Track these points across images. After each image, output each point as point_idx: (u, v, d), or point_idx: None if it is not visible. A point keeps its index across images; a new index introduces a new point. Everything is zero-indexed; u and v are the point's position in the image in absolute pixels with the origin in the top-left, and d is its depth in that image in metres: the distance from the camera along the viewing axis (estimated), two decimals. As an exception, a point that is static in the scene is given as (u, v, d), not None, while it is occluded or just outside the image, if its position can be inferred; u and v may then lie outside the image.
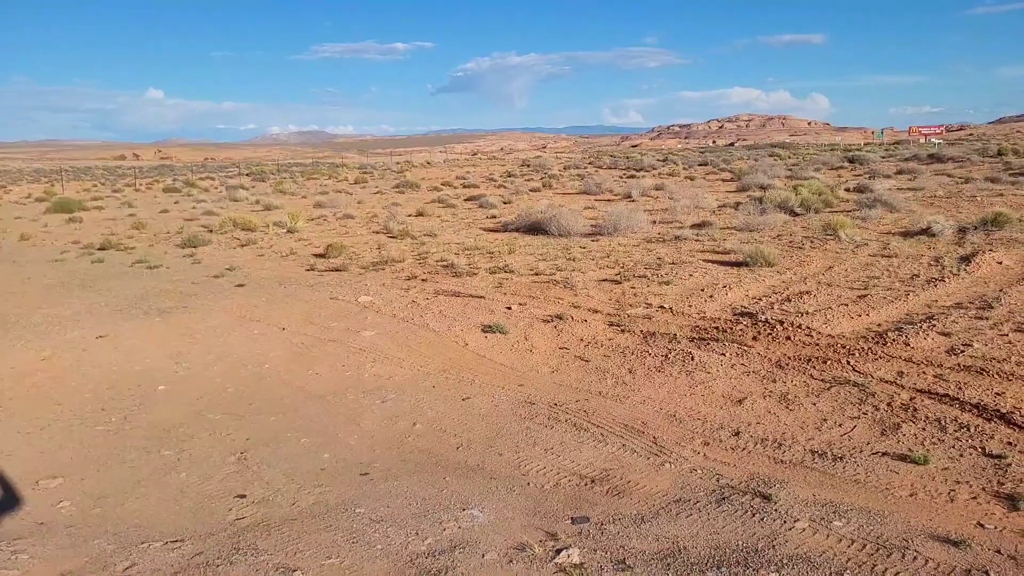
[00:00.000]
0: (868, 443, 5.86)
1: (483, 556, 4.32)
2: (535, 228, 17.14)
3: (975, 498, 4.90)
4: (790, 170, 34.45)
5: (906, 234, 14.62)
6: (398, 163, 70.87)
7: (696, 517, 4.81)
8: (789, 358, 7.78)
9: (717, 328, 8.89)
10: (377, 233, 18.42)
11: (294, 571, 4.14)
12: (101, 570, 4.22)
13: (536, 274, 12.30)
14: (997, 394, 6.38)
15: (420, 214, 22.10)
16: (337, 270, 13.56)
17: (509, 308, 10.11)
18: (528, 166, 53.45)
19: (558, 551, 4.34)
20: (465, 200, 26.39)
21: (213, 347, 9.03)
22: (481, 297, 10.78)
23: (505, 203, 24.84)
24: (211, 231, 19.62)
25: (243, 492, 5.42)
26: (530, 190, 30.84)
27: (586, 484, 5.45)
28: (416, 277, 12.40)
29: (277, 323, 9.92)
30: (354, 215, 22.39)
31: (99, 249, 17.31)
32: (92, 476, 5.81)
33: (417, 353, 8.70)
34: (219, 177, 53.48)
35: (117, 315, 10.39)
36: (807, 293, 10.16)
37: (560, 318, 9.53)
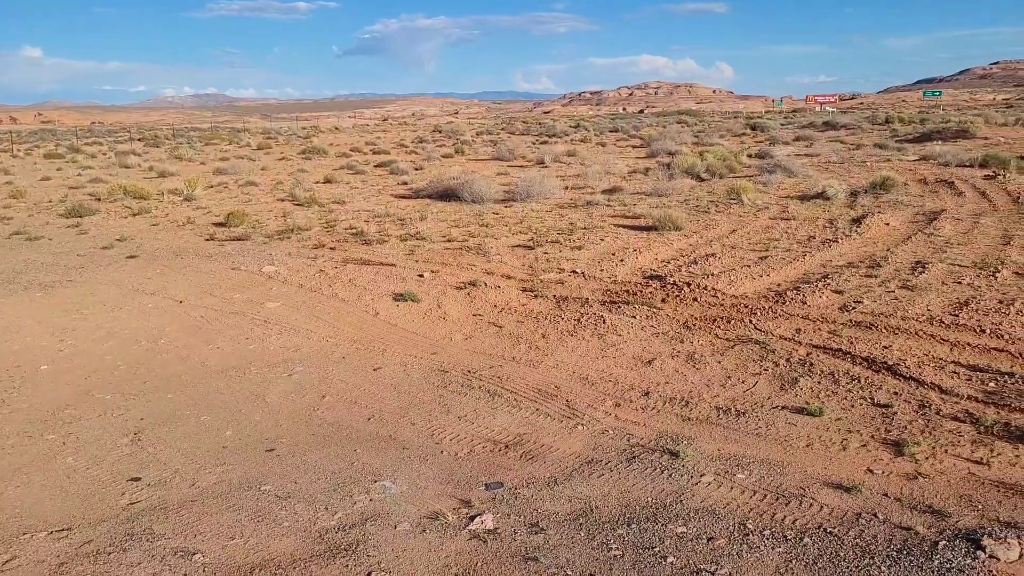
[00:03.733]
0: (769, 398, 6.10)
1: (395, 527, 4.24)
2: (448, 195, 16.89)
3: (865, 446, 5.19)
4: (696, 137, 35.39)
5: (803, 198, 15.28)
6: (304, 128, 68.27)
7: (608, 477, 4.88)
8: (696, 319, 7.99)
9: (628, 291, 9.03)
10: (282, 201, 17.70)
11: (194, 554, 3.93)
12: (-26, 567, 3.88)
13: (449, 241, 12.14)
14: (884, 347, 6.77)
15: (328, 181, 21.38)
16: (239, 239, 12.95)
17: (421, 276, 9.93)
18: (440, 132, 52.63)
19: (472, 518, 4.31)
20: (375, 167, 25.73)
21: (102, 323, 8.45)
22: (392, 265, 10.54)
23: (417, 169, 24.39)
24: (99, 200, 18.32)
25: (137, 475, 5.11)
26: (442, 156, 30.41)
27: (500, 450, 5.44)
28: (324, 246, 11.99)
29: (173, 296, 9.38)
30: (257, 182, 21.41)
31: (-30, 220, 15.87)
32: (-36, 466, 5.33)
33: (326, 323, 8.43)
34: (107, 142, 49.95)
35: (-8, 291, 9.56)
36: (713, 256, 10.46)
37: (473, 285, 9.44)
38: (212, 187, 20.61)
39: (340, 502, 4.58)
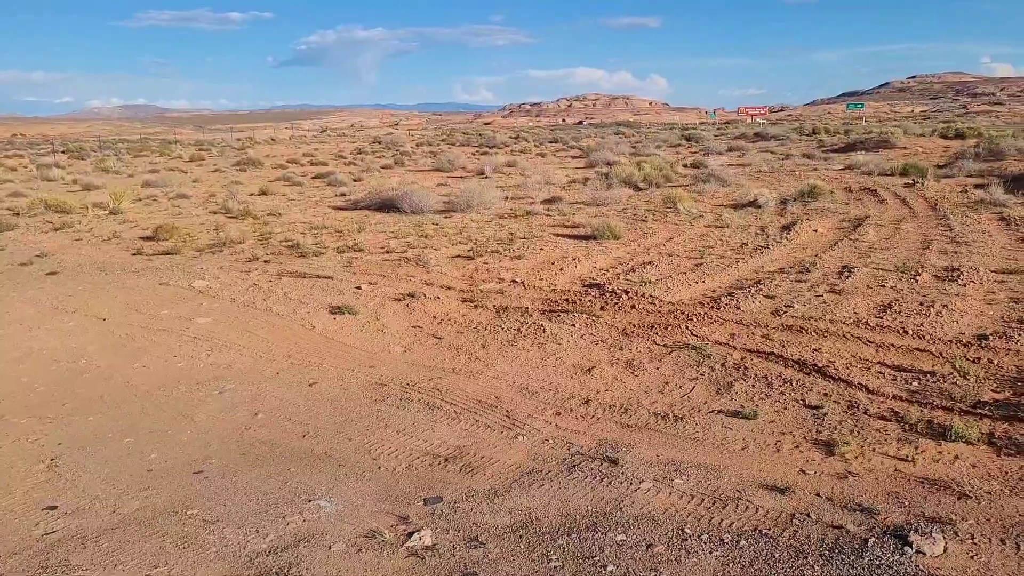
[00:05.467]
0: (705, 402, 6.19)
1: (330, 548, 4.10)
2: (387, 206, 16.70)
3: (797, 447, 5.30)
4: (634, 147, 36.05)
5: (736, 206, 15.70)
6: (239, 140, 66.65)
7: (548, 487, 4.84)
8: (634, 326, 8.06)
9: (567, 300, 9.06)
10: (215, 213, 17.18)
11: (112, 587, 3.72)
12: None
13: (387, 252, 11.98)
14: (814, 350, 6.96)
15: (264, 193, 20.88)
16: (168, 253, 12.48)
17: (359, 288, 9.75)
18: (380, 143, 52.15)
19: (410, 535, 4.21)
20: (313, 178, 25.28)
21: (19, 343, 8.00)
22: (329, 278, 10.32)
23: (356, 181, 24.06)
24: (18, 215, 17.41)
25: (53, 503, 4.81)
26: (382, 167, 30.12)
27: (439, 463, 5.34)
28: (258, 259, 11.66)
29: (96, 313, 8.95)
30: (189, 195, 20.76)
31: None
32: None
33: (259, 339, 8.17)
34: (29, 155, 47.67)
35: None
36: (650, 263, 10.61)
37: (412, 296, 9.32)
38: (140, 200, 19.86)
39: (272, 524, 4.41)
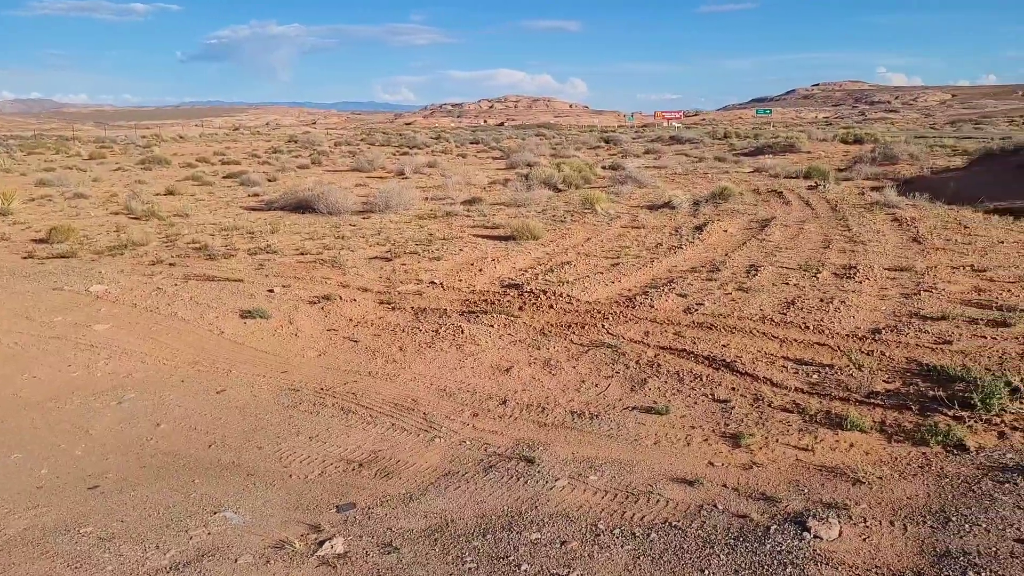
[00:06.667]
0: (620, 399, 6.30)
1: (236, 561, 3.95)
2: (302, 206, 16.28)
3: (706, 440, 5.47)
4: (554, 149, 36.51)
5: (652, 207, 16.12)
6: (145, 137, 63.56)
7: (464, 489, 4.82)
8: (552, 325, 8.14)
9: (486, 301, 9.06)
10: (116, 214, 16.31)
11: (-8, 615, 3.45)
12: None
13: (302, 254, 11.67)
14: (723, 346, 7.20)
15: (170, 193, 19.98)
16: (63, 257, 11.75)
17: (271, 291, 9.45)
18: (296, 142, 50.82)
19: (321, 543, 4.10)
20: (224, 178, 24.39)
21: None
22: (240, 280, 9.95)
23: (270, 181, 23.37)
24: None
25: (-73, 528, 4.43)
26: (298, 167, 29.37)
27: (354, 469, 5.23)
28: (162, 262, 11.13)
29: (-19, 321, 8.33)
30: (88, 195, 19.63)
31: None
32: None
33: (163, 345, 7.80)
34: (-93, 150, 43.98)
35: None
36: (568, 264, 10.74)
37: (328, 299, 9.10)
38: (33, 200, 18.66)
39: (173, 539, 4.20)
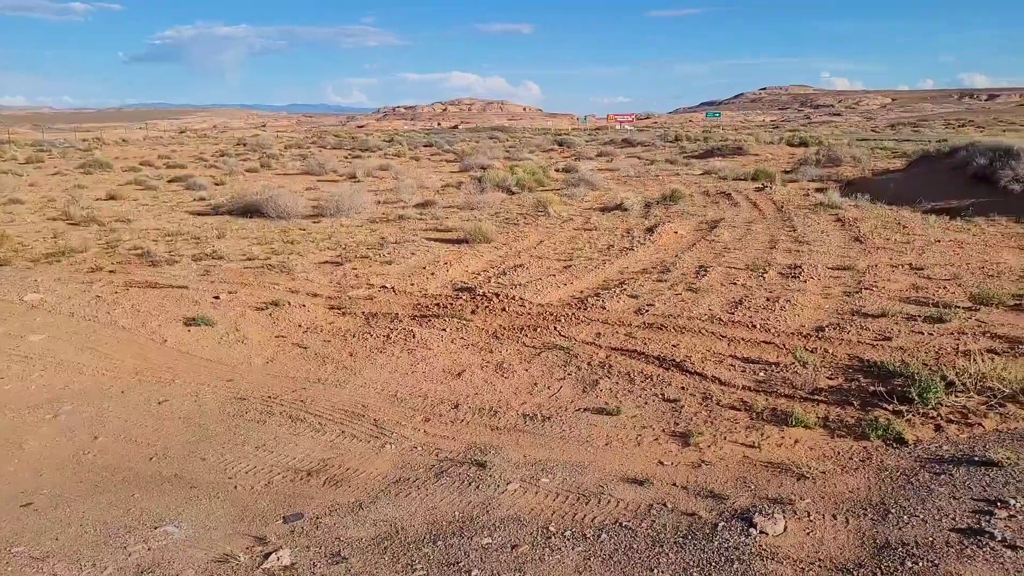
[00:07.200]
0: (572, 401, 6.32)
1: (177, 577, 3.82)
2: (250, 211, 15.94)
3: (657, 439, 5.52)
4: (508, 152, 36.56)
5: (604, 209, 16.26)
6: (85, 140, 61.43)
7: (415, 495, 4.76)
8: (505, 328, 8.12)
9: (438, 304, 9.00)
10: (54, 220, 15.71)
11: (-88, 644, 3.27)
12: None
13: (250, 260, 11.41)
14: (673, 346, 7.29)
15: (112, 197, 19.35)
16: (-3, 265, 11.25)
17: (217, 297, 9.21)
18: (245, 145, 49.76)
19: (267, 555, 4.00)
20: (169, 182, 23.72)
21: None
22: (184, 287, 9.68)
23: (217, 185, 22.80)
24: None
25: None
26: (246, 171, 28.76)
27: (302, 478, 5.12)
28: (102, 269, 10.75)
29: (-95, 333, 7.91)
30: (24, 199, 18.85)
31: None
32: None
33: (102, 356, 7.53)
34: None
35: None
36: (521, 266, 10.75)
37: (276, 305, 8.92)
38: (-36, 206, 17.83)
39: (111, 555, 4.05)
